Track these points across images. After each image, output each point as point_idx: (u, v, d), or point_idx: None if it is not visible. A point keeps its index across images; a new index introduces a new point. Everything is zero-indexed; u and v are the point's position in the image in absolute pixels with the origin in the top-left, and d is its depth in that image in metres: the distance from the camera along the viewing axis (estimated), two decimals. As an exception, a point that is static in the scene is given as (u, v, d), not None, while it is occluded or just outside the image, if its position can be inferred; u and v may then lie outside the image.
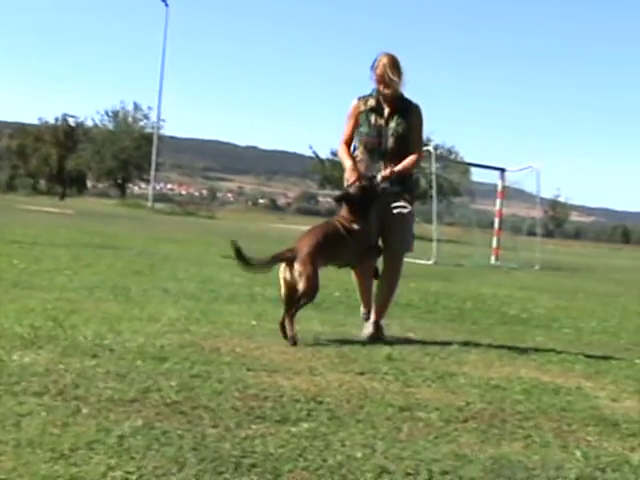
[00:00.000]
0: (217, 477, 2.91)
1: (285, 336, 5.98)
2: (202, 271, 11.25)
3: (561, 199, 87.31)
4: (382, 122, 6.59)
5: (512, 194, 28.36)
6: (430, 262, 20.21)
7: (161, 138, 67.95)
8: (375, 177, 6.49)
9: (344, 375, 4.91)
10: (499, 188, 23.90)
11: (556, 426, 4.12)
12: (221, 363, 4.88)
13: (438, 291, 11.80)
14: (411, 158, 6.60)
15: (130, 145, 73.02)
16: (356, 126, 6.67)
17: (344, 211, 6.53)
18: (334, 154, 53.58)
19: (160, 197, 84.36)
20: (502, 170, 24.02)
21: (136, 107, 75.30)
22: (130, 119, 75.73)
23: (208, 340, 5.65)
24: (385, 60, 6.48)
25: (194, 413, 3.72)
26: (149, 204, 59.66)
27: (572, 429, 4.10)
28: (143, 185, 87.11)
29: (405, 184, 6.72)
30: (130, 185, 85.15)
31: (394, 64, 6.50)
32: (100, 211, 39.15)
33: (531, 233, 28.78)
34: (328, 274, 12.78)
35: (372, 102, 6.62)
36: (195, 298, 8.18)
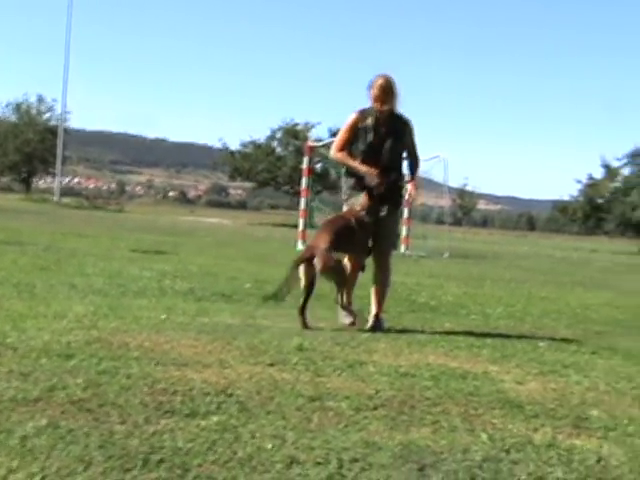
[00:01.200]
0: (124, 474, 2.86)
1: (304, 324, 6.74)
2: (110, 266, 11.07)
3: (469, 188, 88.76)
4: (378, 141, 7.12)
5: (420, 183, 28.80)
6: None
7: (67, 131, 66.57)
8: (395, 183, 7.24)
9: (254, 367, 4.89)
10: (407, 178, 24.11)
11: (463, 410, 4.19)
12: (129, 358, 4.80)
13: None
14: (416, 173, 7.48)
15: (34, 138, 71.26)
16: (352, 138, 7.17)
17: (363, 200, 7.12)
18: (244, 145, 53.47)
19: (67, 191, 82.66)
20: (410, 160, 24.29)
21: (40, 99, 73.52)
22: (34, 111, 73.90)
23: (116, 335, 5.56)
24: (381, 81, 7.03)
25: (101, 410, 3.65)
26: (55, 198, 58.38)
27: (479, 413, 4.18)
28: (49, 179, 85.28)
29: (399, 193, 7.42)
30: (35, 179, 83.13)
31: (390, 85, 7.06)
32: (3, 206, 38.14)
33: (440, 222, 29.16)
34: (239, 266, 12.80)
35: (370, 121, 7.11)
36: (103, 293, 8.05)
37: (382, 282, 7.37)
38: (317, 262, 6.79)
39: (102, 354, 4.86)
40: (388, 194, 7.21)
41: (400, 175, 7.44)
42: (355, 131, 7.15)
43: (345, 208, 7.40)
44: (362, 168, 7.13)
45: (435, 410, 4.15)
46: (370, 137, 7.11)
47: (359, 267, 7.34)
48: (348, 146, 7.21)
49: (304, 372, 4.86)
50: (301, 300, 6.86)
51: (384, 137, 7.13)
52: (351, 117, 7.19)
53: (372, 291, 7.39)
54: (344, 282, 7.11)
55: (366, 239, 7.21)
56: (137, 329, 5.93)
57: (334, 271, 6.97)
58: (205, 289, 9.04)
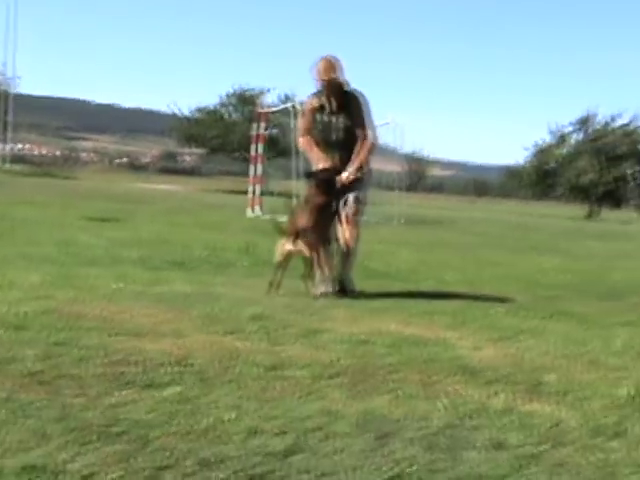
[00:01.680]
0: (83, 447, 2.83)
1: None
2: (63, 234, 10.93)
3: (421, 153, 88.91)
4: (330, 118, 7.26)
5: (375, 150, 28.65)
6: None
7: (17, 96, 65.24)
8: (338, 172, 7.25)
9: (211, 336, 4.87)
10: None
11: (420, 378, 4.21)
12: (85, 329, 4.75)
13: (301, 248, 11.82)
14: (364, 151, 7.33)
15: (-19, 103, 69.77)
16: (312, 121, 7.36)
17: (311, 188, 7.34)
18: (194, 111, 52.89)
19: (17, 158, 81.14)
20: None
21: (-14, 63, 71.79)
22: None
23: (72, 305, 5.49)
24: (323, 63, 7.15)
25: (58, 382, 3.61)
26: (5, 165, 57.41)
27: (437, 380, 4.21)
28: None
29: (362, 169, 7.43)
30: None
31: (332, 65, 7.17)
32: (-49, 174, 37.47)
33: (393, 187, 29.18)
34: (192, 233, 12.71)
35: (316, 101, 7.30)
36: (57, 262, 7.96)
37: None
38: (304, 245, 7.06)
39: (58, 325, 4.79)
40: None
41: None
42: (314, 114, 7.34)
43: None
44: (317, 160, 7.35)
45: (393, 378, 4.17)
46: (325, 118, 7.28)
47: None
48: (311, 131, 7.39)
49: (261, 341, 4.85)
50: (277, 276, 7.05)
51: (336, 113, 7.26)
52: (306, 102, 7.51)
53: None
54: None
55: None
56: (93, 299, 5.86)
57: (313, 250, 7.17)
58: (159, 257, 8.99)
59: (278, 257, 7.10)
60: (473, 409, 3.68)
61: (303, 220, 7.10)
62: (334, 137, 7.30)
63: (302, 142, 7.52)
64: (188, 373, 3.94)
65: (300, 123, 7.66)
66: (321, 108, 7.30)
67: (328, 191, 7.28)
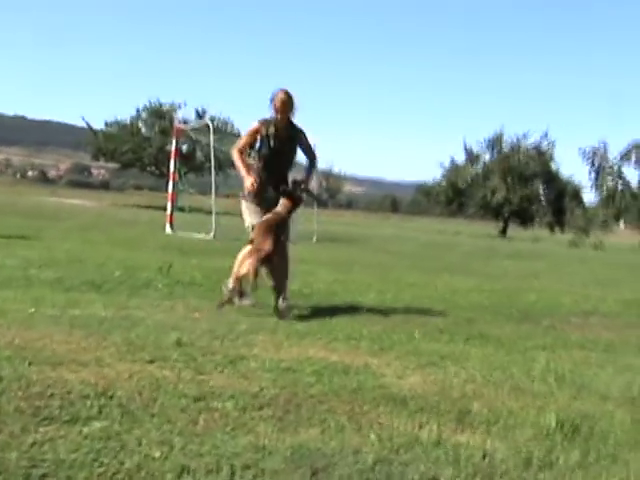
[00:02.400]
0: (5, 492, 2.70)
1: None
2: (-30, 253, 10.57)
3: (335, 170, 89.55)
4: (278, 146, 8.08)
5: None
6: (209, 237, 20.08)
7: None
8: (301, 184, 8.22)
9: (133, 365, 4.74)
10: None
11: (349, 408, 4.18)
12: (0, 358, 4.57)
13: (219, 268, 11.67)
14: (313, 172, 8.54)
15: None
16: (252, 143, 8.15)
17: (286, 202, 7.98)
18: (108, 125, 52.08)
19: None
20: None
21: None
22: None
23: (-19, 333, 5.28)
24: (283, 96, 7.99)
25: (-27, 419, 3.45)
26: None
27: (364, 410, 4.17)
28: None
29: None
30: None
31: (291, 100, 8.06)
32: None
33: (306, 205, 29.24)
34: (106, 251, 12.45)
35: (272, 129, 8.06)
36: (-36, 285, 7.66)
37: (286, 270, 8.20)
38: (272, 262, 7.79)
39: (-32, 354, 4.60)
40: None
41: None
42: (256, 137, 8.11)
43: (244, 203, 8.20)
44: (244, 174, 8.08)
45: (321, 408, 4.12)
46: (272, 143, 8.08)
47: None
48: (247, 149, 8.21)
49: (185, 369, 4.75)
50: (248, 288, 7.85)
51: (283, 143, 8.13)
52: (254, 125, 8.12)
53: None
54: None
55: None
56: (5, 324, 5.67)
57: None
58: (73, 278, 8.74)
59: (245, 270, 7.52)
60: (404, 442, 3.66)
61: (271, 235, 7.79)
62: (276, 162, 8.15)
63: (237, 154, 8.15)
64: (111, 406, 3.82)
65: (243, 139, 8.25)
66: (267, 135, 8.07)
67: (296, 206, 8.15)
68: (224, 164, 45.30)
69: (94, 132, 52.25)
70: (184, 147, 48.02)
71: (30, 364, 4.50)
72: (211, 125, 23.48)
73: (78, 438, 3.31)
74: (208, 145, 23.59)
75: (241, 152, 8.16)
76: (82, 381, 4.22)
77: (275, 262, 7.84)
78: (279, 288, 7.86)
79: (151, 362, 4.85)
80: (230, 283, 7.82)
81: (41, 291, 7.57)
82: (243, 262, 7.72)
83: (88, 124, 52.84)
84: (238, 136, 43.19)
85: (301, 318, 7.31)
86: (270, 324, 6.77)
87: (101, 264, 10.46)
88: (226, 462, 3.16)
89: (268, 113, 8.14)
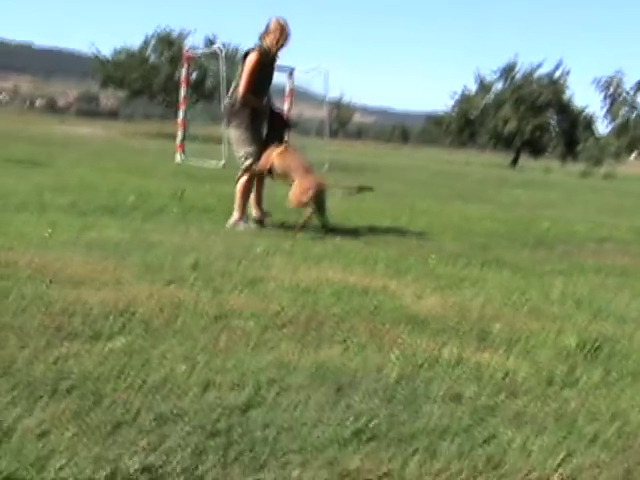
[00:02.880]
0: (34, 404, 2.70)
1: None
2: (-17, 178, 10.55)
3: (345, 100, 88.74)
4: (268, 75, 8.45)
5: (297, 95, 28.27)
6: (220, 165, 19.99)
7: None
8: None
9: (152, 285, 4.74)
10: (287, 89, 23.79)
11: (370, 327, 4.18)
12: (20, 278, 4.58)
13: (232, 194, 11.67)
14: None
15: None
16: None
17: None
18: (117, 53, 51.54)
19: None
20: (291, 70, 23.87)
21: None
22: None
23: (2, 253, 5.29)
24: (286, 28, 8.24)
25: (-2, 335, 3.46)
26: None
27: (385, 329, 4.17)
28: None
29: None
30: None
31: (289, 30, 8.27)
32: None
33: (319, 133, 29.03)
34: (119, 178, 12.42)
35: (266, 59, 8.25)
36: (-20, 208, 7.66)
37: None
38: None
39: (-11, 274, 4.61)
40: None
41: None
42: (260, 68, 8.18)
43: (233, 132, 8.33)
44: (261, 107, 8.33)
45: (342, 327, 4.13)
46: (266, 73, 8.32)
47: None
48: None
49: (204, 290, 4.74)
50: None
51: (271, 72, 8.49)
52: (255, 58, 8.13)
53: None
54: None
55: None
56: (24, 246, 5.66)
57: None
58: (88, 203, 8.73)
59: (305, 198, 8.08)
60: (425, 360, 3.66)
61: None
62: (266, 88, 8.46)
63: (249, 98, 8.16)
64: (134, 323, 3.83)
65: (249, 77, 8.12)
66: (263, 64, 8.21)
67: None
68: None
69: (102, 60, 51.76)
70: (193, 75, 47.63)
71: (50, 283, 4.51)
72: (221, 52, 23.17)
73: (103, 353, 3.31)
74: (218, 73, 23.25)
75: (249, 91, 8.14)
76: (102, 300, 4.22)
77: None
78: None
79: (170, 283, 4.85)
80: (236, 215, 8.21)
81: (56, 215, 7.56)
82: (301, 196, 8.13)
83: (97, 51, 52.35)
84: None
85: (317, 242, 7.29)
86: (286, 247, 6.76)
87: (114, 190, 10.43)
88: (250, 377, 3.16)
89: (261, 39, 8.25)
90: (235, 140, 8.32)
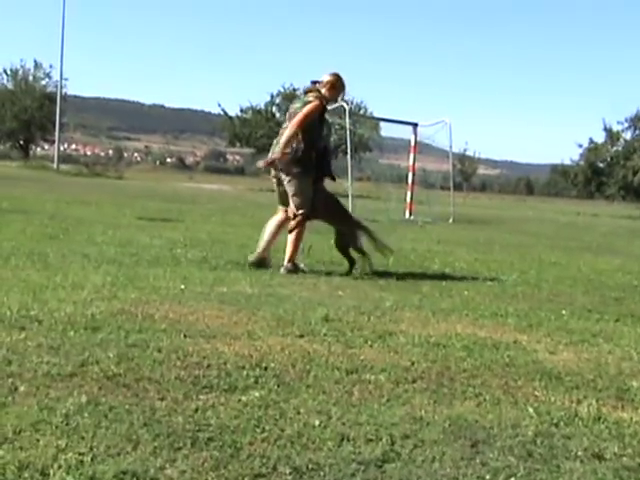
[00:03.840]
0: (175, 454, 2.77)
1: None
2: (119, 234, 10.95)
3: (469, 153, 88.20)
4: (321, 131, 8.66)
5: (421, 148, 28.31)
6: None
7: (65, 97, 65.75)
8: None
9: (284, 338, 4.81)
10: (412, 142, 23.90)
11: (503, 382, 4.11)
12: (157, 330, 4.72)
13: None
14: None
15: (32, 105, 70.46)
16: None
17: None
18: (243, 111, 52.94)
19: (65, 158, 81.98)
20: (415, 125, 24.04)
21: (36, 65, 72.27)
22: (31, 77, 72.98)
23: (138, 306, 5.47)
24: (344, 83, 8.66)
25: (138, 385, 3.57)
26: (54, 165, 57.98)
27: (519, 385, 4.10)
28: (46, 146, 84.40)
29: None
30: (33, 146, 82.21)
31: None
32: (3, 173, 37.92)
33: (442, 187, 28.96)
34: (247, 233, 12.66)
35: (322, 113, 8.51)
36: (117, 262, 7.94)
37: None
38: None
39: (129, 326, 4.78)
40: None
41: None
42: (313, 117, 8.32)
43: (294, 181, 8.42)
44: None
45: (475, 382, 4.07)
46: (322, 123, 8.55)
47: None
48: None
49: (335, 343, 4.78)
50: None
51: (324, 124, 8.73)
52: (317, 103, 8.33)
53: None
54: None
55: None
56: (158, 300, 5.84)
57: None
58: (218, 257, 8.94)
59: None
60: (563, 416, 3.57)
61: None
62: (321, 137, 8.66)
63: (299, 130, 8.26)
64: (267, 376, 3.88)
65: (305, 117, 8.24)
66: (320, 116, 8.43)
67: None
68: (358, 147, 45.45)
69: (230, 118, 53.19)
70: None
71: (185, 336, 4.63)
72: (346, 108, 23.50)
73: (238, 406, 3.37)
74: (342, 128, 23.56)
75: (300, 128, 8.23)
76: (236, 353, 4.31)
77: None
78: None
79: (301, 336, 4.91)
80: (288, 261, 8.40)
81: (188, 269, 7.77)
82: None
83: (224, 110, 53.85)
84: (375, 119, 42.61)
85: (445, 296, 7.25)
86: (414, 301, 6.74)
87: (243, 245, 10.64)
88: (385, 431, 3.16)
89: (324, 93, 8.44)
90: (294, 189, 8.40)
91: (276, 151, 8.39)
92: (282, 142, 8.30)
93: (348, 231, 8.73)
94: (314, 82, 8.60)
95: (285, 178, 8.41)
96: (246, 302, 6.02)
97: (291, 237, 8.48)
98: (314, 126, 8.36)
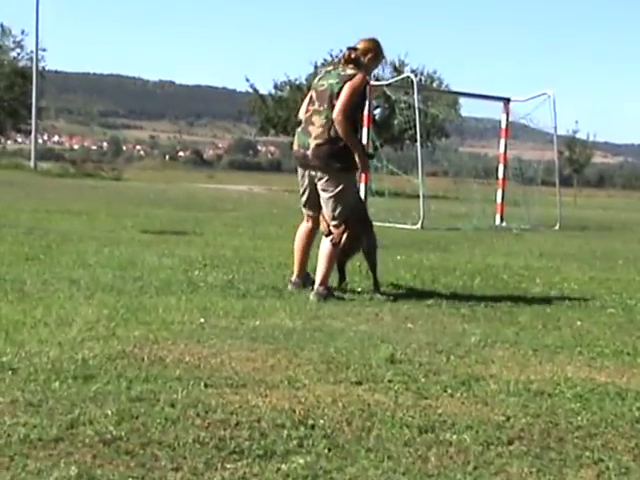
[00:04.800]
0: (194, 542, 2.79)
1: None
2: (119, 252, 11.07)
3: (580, 135, 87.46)
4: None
5: (514, 131, 28.03)
6: (416, 226, 20.18)
7: (42, 73, 66.27)
8: None
9: (336, 387, 4.83)
10: (503, 124, 23.78)
11: (632, 445, 4.09)
12: (169, 379, 4.77)
13: (434, 265, 11.77)
14: None
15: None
16: None
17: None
18: (278, 87, 53.15)
19: (45, 154, 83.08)
20: (507, 100, 23.91)
21: (3, 31, 72.44)
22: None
23: (145, 347, 5.54)
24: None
25: (145, 452, 3.60)
26: (31, 164, 58.72)
27: (653, 447, 4.07)
28: (20, 138, 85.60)
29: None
30: (2, 139, 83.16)
31: None
32: (-34, 176, 38.53)
33: (543, 182, 28.70)
34: (286, 248, 12.73)
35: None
36: (116, 290, 8.02)
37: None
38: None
39: (132, 374, 4.83)
40: None
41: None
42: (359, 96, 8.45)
43: (334, 178, 8.42)
44: (360, 151, 8.50)
45: (593, 444, 4.05)
46: (362, 103, 8.65)
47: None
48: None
49: (404, 392, 4.79)
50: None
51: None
52: (362, 78, 8.42)
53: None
54: None
55: None
56: (170, 338, 5.90)
57: None
58: (248, 281, 9.00)
59: None
60: None
61: None
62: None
63: (348, 128, 8.32)
64: (315, 437, 3.90)
65: (351, 100, 8.31)
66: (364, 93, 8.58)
67: None
68: (431, 132, 45.35)
69: (261, 97, 53.41)
70: (376, 112, 48.44)
71: (207, 386, 4.67)
72: (414, 80, 23.51)
73: (277, 477, 3.39)
74: (409, 107, 23.54)
75: (347, 116, 8.29)
76: (273, 407, 4.33)
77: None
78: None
79: (358, 383, 4.93)
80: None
81: (209, 297, 7.83)
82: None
83: (253, 87, 54.09)
84: (453, 94, 42.40)
85: (550, 328, 7.22)
86: (509, 336, 6.72)
87: (280, 264, 10.69)
88: (472, 510, 3.15)
89: (366, 66, 8.63)
90: (334, 190, 8.38)
91: (309, 143, 8.41)
92: (332, 133, 8.30)
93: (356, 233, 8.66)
94: (351, 49, 8.60)
95: (322, 176, 8.43)
96: (286, 339, 6.05)
97: (324, 252, 8.45)
98: (359, 107, 8.50)
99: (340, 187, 8.36)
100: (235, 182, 57.86)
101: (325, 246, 8.42)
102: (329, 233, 8.42)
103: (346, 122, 8.20)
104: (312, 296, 8.17)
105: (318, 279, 8.32)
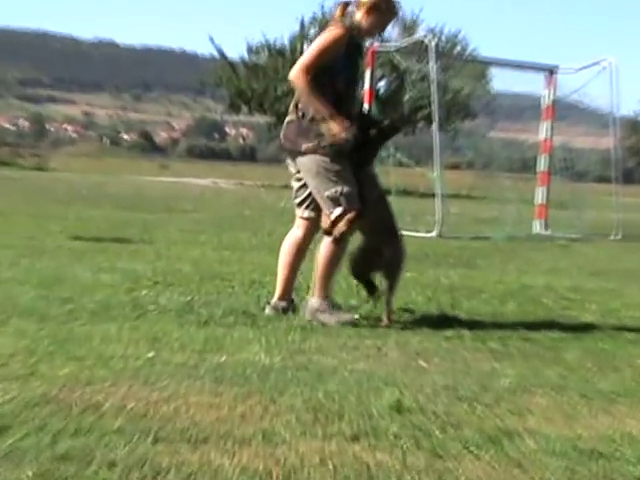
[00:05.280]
0: None
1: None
2: (41, 265, 11.10)
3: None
4: (355, 78, 8.95)
5: (562, 112, 27.90)
6: (432, 234, 20.22)
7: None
8: None
9: (325, 443, 4.84)
10: (546, 101, 23.78)
11: None
12: (106, 431, 4.77)
13: (454, 285, 11.79)
14: None
15: None
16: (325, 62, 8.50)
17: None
18: (253, 51, 53.04)
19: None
20: (551, 70, 23.87)
21: None
22: None
23: (75, 390, 5.55)
24: (399, 10, 8.88)
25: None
26: None
27: None
28: None
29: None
30: None
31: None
32: None
33: (601, 178, 28.72)
34: (259, 261, 12.78)
35: (356, 42, 8.74)
36: (38, 315, 8.03)
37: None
38: None
39: (57, 425, 4.84)
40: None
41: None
42: (333, 53, 8.43)
43: (307, 162, 8.52)
44: (326, 113, 8.33)
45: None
46: (355, 66, 8.72)
47: None
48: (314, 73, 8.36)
49: (414, 452, 4.80)
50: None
51: (361, 65, 9.01)
52: (337, 32, 8.45)
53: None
54: None
55: None
56: (109, 378, 5.90)
57: None
58: (212, 304, 9.01)
59: None
60: None
61: None
62: (352, 94, 8.89)
63: (305, 78, 8.33)
64: (298, 511, 3.92)
65: (314, 55, 8.40)
66: (347, 51, 8.54)
67: None
68: (452, 111, 45.44)
69: (231, 64, 53.26)
70: (381, 84, 48.49)
71: (156, 441, 4.67)
72: (431, 43, 23.48)
73: None
74: (423, 79, 23.53)
75: (309, 75, 8.30)
76: (244, 468, 4.34)
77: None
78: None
79: (355, 439, 4.94)
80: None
81: (161, 325, 7.84)
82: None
83: (220, 51, 53.93)
84: (481, 63, 42.51)
85: (605, 369, 7.24)
86: (552, 378, 6.74)
87: (253, 282, 10.71)
88: None
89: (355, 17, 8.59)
90: (312, 175, 8.47)
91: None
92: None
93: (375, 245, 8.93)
94: (345, 3, 8.67)
95: (293, 164, 8.63)
96: (260, 381, 6.06)
97: (323, 253, 8.64)
98: (337, 71, 8.44)
99: (316, 171, 8.39)
100: (196, 174, 57.86)
101: (324, 247, 8.56)
102: (329, 231, 8.47)
103: (305, 78, 8.24)
104: (307, 314, 8.46)
105: (316, 291, 8.51)
